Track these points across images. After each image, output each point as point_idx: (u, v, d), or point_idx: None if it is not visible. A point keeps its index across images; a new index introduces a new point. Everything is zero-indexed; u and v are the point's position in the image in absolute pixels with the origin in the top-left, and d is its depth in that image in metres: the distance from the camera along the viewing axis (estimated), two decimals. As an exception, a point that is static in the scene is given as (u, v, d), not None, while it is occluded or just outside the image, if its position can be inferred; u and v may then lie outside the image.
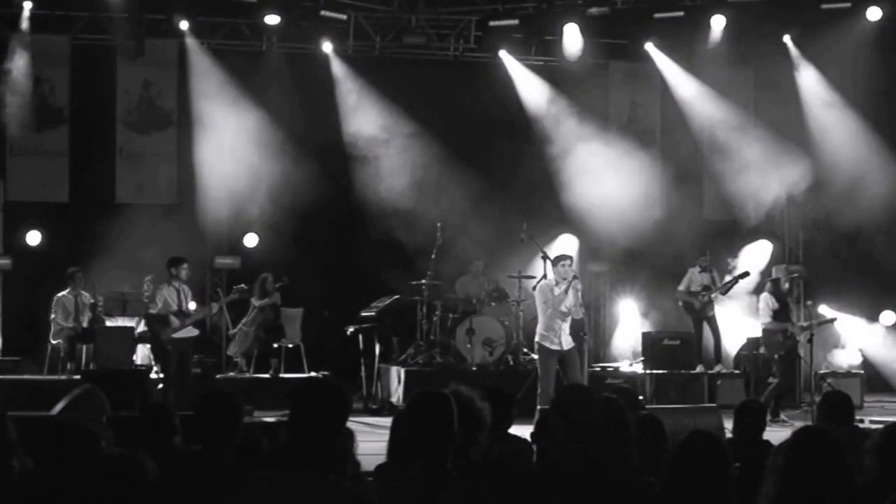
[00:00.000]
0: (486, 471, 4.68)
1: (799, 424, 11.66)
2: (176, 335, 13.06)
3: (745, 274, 15.53)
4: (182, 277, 13.22)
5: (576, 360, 12.09)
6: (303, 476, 3.75)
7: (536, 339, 12.22)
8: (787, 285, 13.72)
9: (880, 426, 5.05)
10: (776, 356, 13.67)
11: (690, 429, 4.76)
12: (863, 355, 15.96)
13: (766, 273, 15.91)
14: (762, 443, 6.53)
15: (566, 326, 12.04)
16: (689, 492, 4.30)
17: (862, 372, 15.42)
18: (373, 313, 15.14)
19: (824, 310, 15.00)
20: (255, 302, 15.14)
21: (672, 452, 4.49)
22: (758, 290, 16.25)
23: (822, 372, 14.74)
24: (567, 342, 12.00)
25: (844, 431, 6.20)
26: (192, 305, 13.46)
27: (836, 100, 16.82)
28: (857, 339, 15.93)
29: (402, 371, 14.30)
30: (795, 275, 13.81)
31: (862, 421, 11.59)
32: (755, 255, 16.89)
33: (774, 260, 17.15)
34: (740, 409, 6.82)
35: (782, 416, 13.07)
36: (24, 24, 15.79)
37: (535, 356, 12.41)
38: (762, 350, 14.49)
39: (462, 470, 4.26)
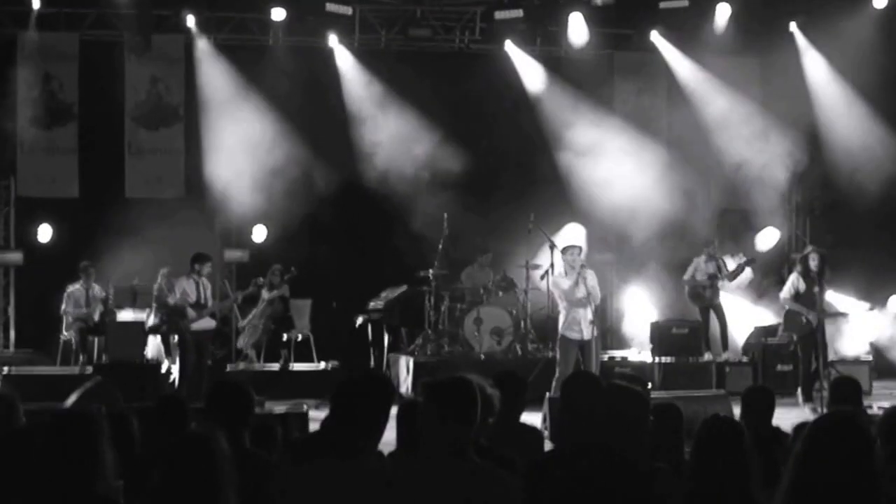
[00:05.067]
0: (497, 456, 4.73)
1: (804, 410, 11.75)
2: (194, 326, 13.18)
3: (751, 261, 15.56)
4: (204, 274, 13.37)
5: (593, 350, 12.19)
6: (347, 464, 3.78)
7: (560, 329, 12.36)
8: (815, 262, 13.22)
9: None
10: (795, 338, 13.60)
11: (700, 416, 4.82)
12: (870, 342, 15.97)
13: (776, 261, 15.93)
14: (773, 429, 6.55)
15: (588, 314, 12.14)
16: (713, 474, 4.38)
17: (870, 359, 15.44)
18: (381, 304, 15.23)
19: (831, 296, 15.01)
20: (264, 294, 15.21)
21: (695, 437, 4.55)
22: (765, 276, 16.36)
23: (829, 359, 14.76)
24: (588, 332, 12.13)
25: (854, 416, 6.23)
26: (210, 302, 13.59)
27: (843, 86, 16.81)
28: (864, 325, 15.93)
29: (411, 361, 14.37)
30: (824, 254, 13.44)
31: (871, 407, 11.65)
32: (762, 242, 16.93)
33: (781, 247, 17.20)
34: (748, 395, 6.80)
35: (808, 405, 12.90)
36: (33, 21, 15.85)
37: (557, 346, 12.49)
38: (781, 330, 14.40)
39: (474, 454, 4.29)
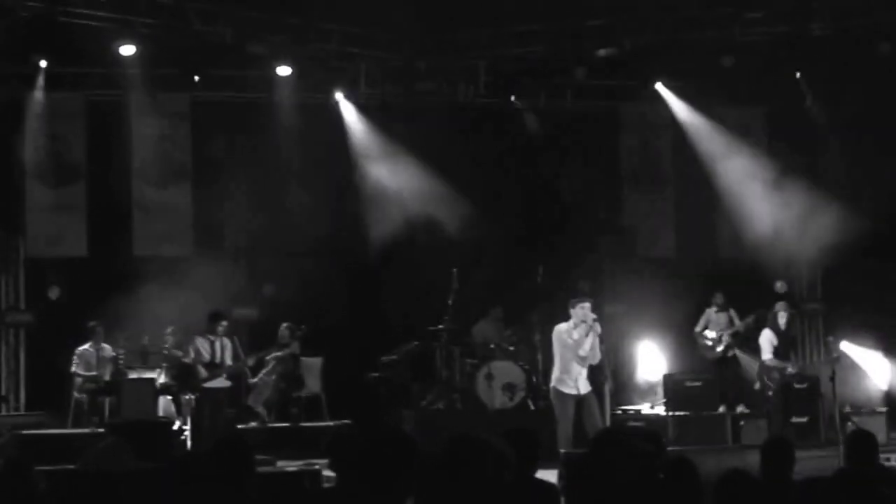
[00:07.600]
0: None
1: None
2: (208, 385, 13.10)
3: (761, 312, 15.48)
4: (218, 333, 13.31)
5: (593, 403, 11.85)
6: None
7: (552, 382, 12.04)
8: (783, 322, 14.04)
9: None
10: (769, 393, 14.10)
11: (715, 470, 4.75)
12: (886, 391, 15.81)
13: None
14: (793, 482, 6.43)
15: (584, 371, 11.87)
16: None
17: (886, 408, 15.27)
18: (392, 360, 15.15)
19: (846, 346, 14.91)
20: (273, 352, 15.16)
21: (713, 492, 4.48)
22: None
23: (845, 410, 14.61)
24: (584, 386, 11.80)
25: (869, 470, 6.15)
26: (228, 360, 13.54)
27: (848, 134, 16.79)
28: (880, 374, 15.79)
29: (423, 417, 14.26)
30: (793, 311, 14.03)
31: (888, 459, 11.51)
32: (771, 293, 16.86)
33: (787, 296, 17.10)
34: (767, 447, 6.70)
35: None
36: (40, 81, 15.93)
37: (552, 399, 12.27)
38: (756, 385, 14.72)
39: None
